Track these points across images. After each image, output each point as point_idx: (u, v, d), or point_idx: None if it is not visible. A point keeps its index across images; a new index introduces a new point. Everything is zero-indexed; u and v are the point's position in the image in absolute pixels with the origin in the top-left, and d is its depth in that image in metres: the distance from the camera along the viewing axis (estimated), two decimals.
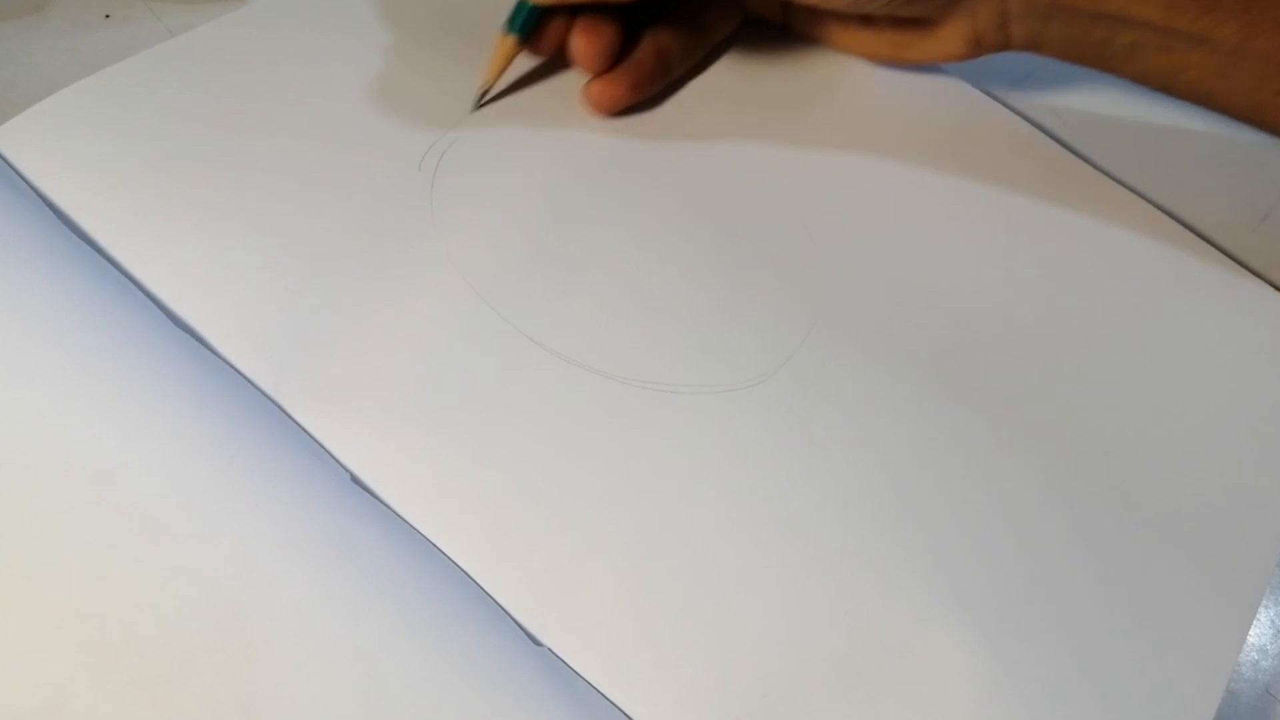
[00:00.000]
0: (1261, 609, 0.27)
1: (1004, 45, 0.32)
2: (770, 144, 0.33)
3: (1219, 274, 0.32)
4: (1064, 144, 0.35)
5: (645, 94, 0.33)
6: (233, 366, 0.26)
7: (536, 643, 0.23)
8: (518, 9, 0.31)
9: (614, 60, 0.32)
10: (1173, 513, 0.27)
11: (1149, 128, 0.36)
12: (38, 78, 0.33)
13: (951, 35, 0.32)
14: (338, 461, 0.25)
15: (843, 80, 0.35)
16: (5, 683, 0.21)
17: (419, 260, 0.29)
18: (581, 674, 0.23)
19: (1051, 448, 0.28)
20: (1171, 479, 0.28)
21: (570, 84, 0.34)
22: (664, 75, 0.34)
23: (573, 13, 0.32)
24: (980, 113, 0.35)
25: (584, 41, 0.32)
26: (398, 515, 0.25)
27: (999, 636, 0.24)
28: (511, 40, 0.31)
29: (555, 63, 0.34)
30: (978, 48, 0.32)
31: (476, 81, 0.32)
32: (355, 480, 0.25)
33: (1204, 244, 0.33)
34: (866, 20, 0.34)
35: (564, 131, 0.33)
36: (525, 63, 0.34)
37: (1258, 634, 0.27)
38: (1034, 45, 0.32)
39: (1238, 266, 0.32)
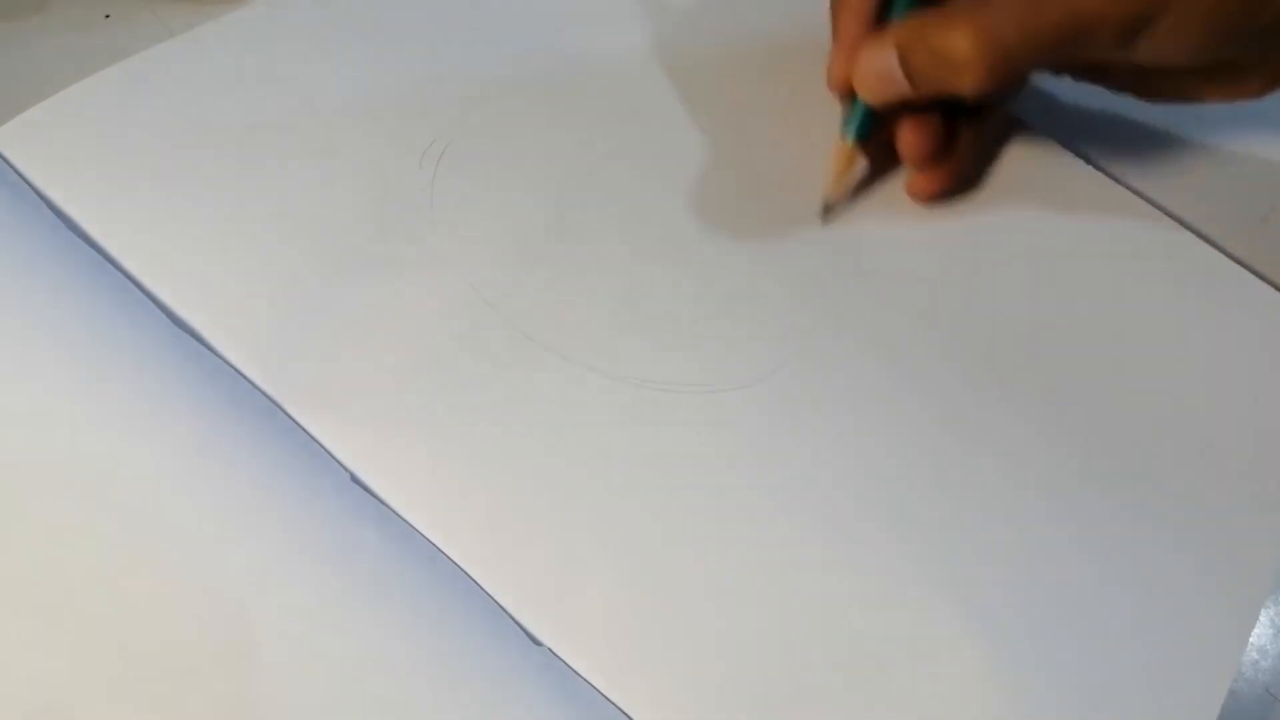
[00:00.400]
0: (1262, 609, 0.27)
1: None
2: (769, 146, 0.33)
3: (1220, 274, 0.32)
4: (1063, 143, 0.35)
5: (965, 177, 0.33)
6: (233, 366, 0.26)
7: (536, 643, 0.23)
8: (854, 113, 0.31)
9: (939, 153, 0.31)
10: (1174, 513, 0.27)
11: (1149, 128, 0.36)
12: (38, 78, 0.33)
13: (1255, 72, 0.30)
14: (338, 461, 0.25)
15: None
16: (5, 683, 0.21)
17: (419, 260, 0.29)
18: (581, 674, 0.23)
19: (1052, 448, 0.28)
20: (1173, 479, 0.28)
21: (574, 81, 0.34)
22: (978, 154, 0.33)
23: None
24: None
25: (913, 137, 0.31)
26: (397, 515, 0.25)
27: (1000, 637, 0.24)
28: (852, 147, 0.31)
29: (559, 61, 0.34)
30: (1276, 82, 0.31)
31: (820, 193, 0.31)
32: (355, 480, 0.25)
33: (1204, 244, 0.33)
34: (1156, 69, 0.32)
35: (568, 129, 0.32)
36: (524, 57, 0.34)
37: (1258, 634, 0.27)
38: None
39: (1238, 267, 0.32)
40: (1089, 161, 0.34)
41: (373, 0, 0.35)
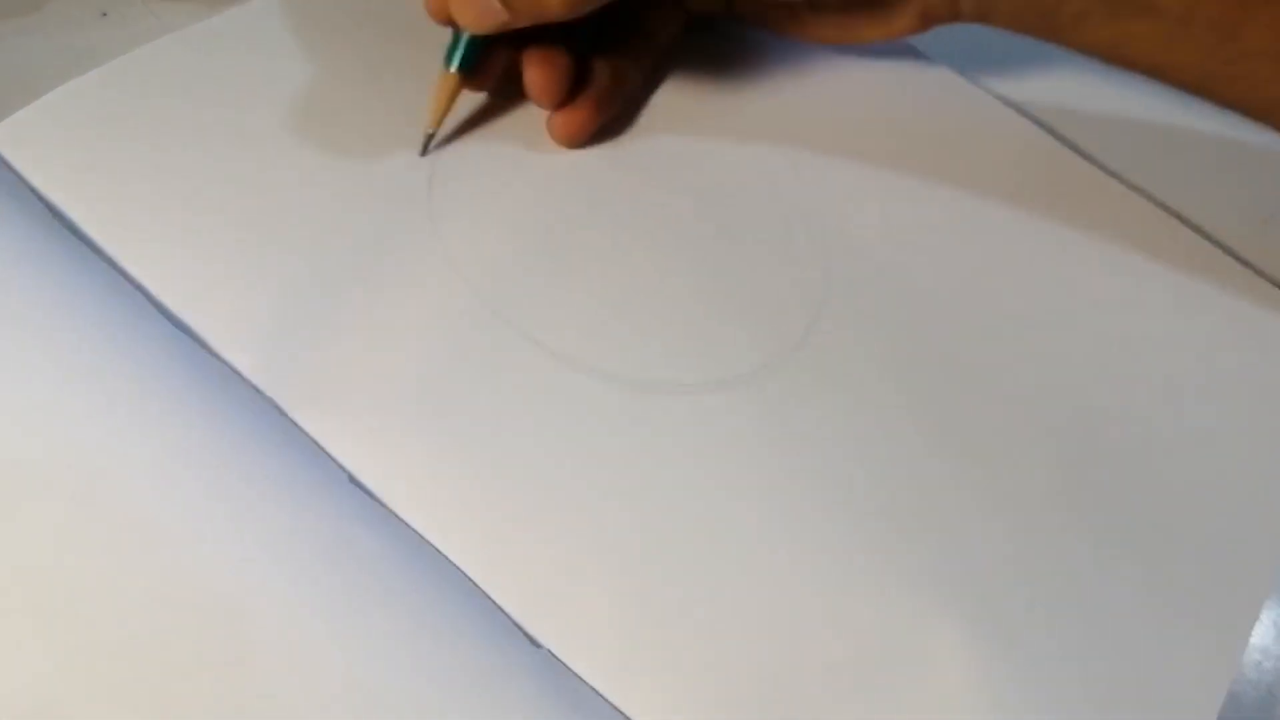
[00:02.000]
0: (1264, 610, 0.27)
1: (953, 17, 0.31)
2: (756, 142, 0.33)
3: (1222, 274, 0.32)
4: (1065, 142, 0.35)
5: (607, 115, 0.32)
6: (232, 366, 0.26)
7: (536, 644, 0.23)
8: (455, 43, 0.30)
9: (570, 89, 0.31)
10: (1175, 513, 0.27)
11: (1151, 126, 0.36)
12: (36, 77, 0.33)
13: (900, 11, 0.32)
14: (336, 462, 0.25)
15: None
16: (5, 683, 0.21)
17: (418, 259, 0.29)
18: (581, 675, 0.23)
19: (1052, 448, 0.28)
20: (1174, 479, 0.27)
21: None
22: (620, 91, 0.32)
23: (516, 44, 0.30)
24: (974, 108, 0.35)
25: (538, 74, 0.30)
26: (396, 516, 0.24)
27: (1000, 637, 0.24)
28: (453, 78, 0.30)
29: None
30: (926, 20, 0.32)
31: (421, 123, 0.30)
32: (354, 480, 0.25)
33: (1207, 244, 0.33)
34: (812, 3, 0.33)
35: None
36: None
37: (1260, 635, 0.27)
38: (982, 16, 0.31)
39: (1241, 266, 0.32)
40: (1091, 160, 0.34)
41: (372, 0, 0.35)
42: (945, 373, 0.29)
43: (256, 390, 0.26)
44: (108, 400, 0.24)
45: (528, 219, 0.30)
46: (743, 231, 0.31)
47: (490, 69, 0.31)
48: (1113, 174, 0.34)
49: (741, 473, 0.26)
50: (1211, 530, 0.27)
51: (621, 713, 0.23)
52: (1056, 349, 0.30)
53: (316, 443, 0.25)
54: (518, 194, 0.31)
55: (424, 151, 0.31)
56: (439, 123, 0.30)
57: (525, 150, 0.32)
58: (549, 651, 0.23)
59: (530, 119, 0.32)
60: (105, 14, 0.36)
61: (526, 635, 0.23)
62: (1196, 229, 0.33)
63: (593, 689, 0.23)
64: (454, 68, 0.30)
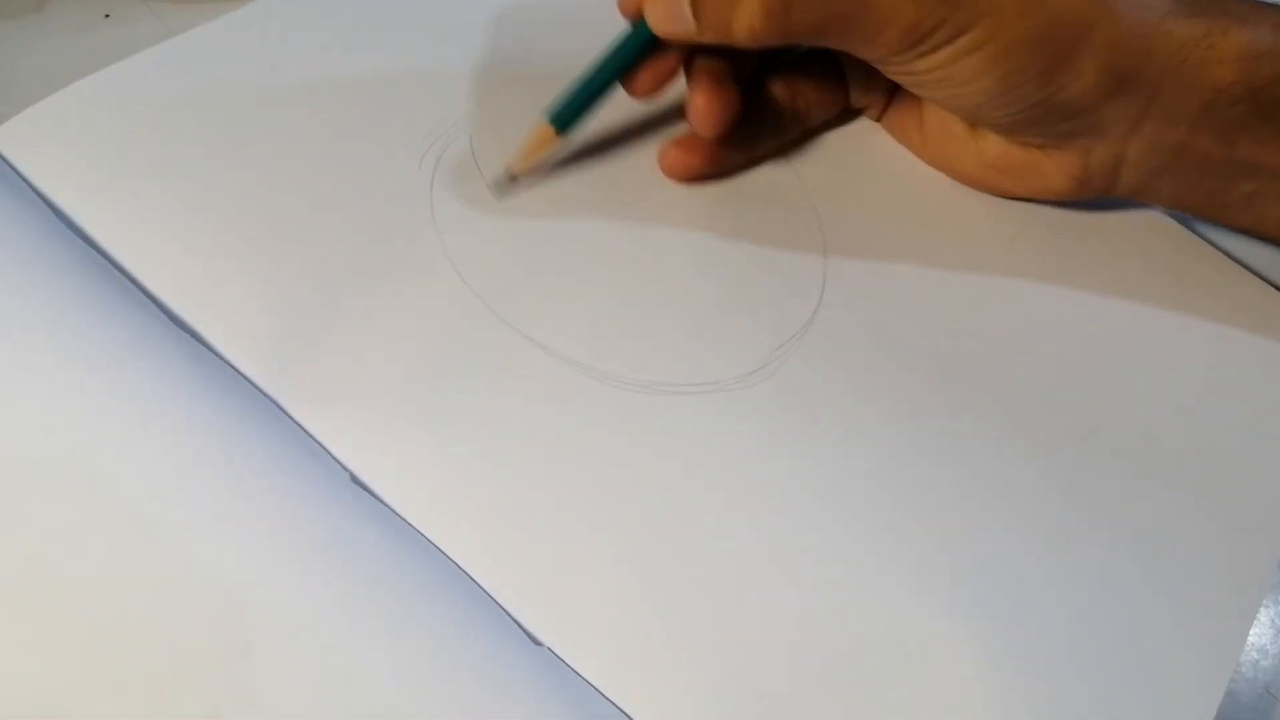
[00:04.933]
0: (1261, 609, 0.27)
1: (1108, 190, 0.30)
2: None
3: (1220, 273, 0.32)
4: None
5: (723, 170, 0.31)
6: (232, 366, 0.26)
7: (536, 643, 0.23)
8: (568, 103, 0.29)
9: (728, 126, 0.29)
10: (1173, 512, 0.27)
11: None
12: (38, 78, 0.33)
13: (1058, 171, 0.30)
14: (338, 461, 0.25)
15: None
16: (5, 683, 0.21)
17: (418, 259, 0.29)
18: (581, 674, 0.23)
19: (1052, 447, 0.28)
20: (1172, 479, 0.28)
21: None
22: (748, 154, 0.32)
23: (685, 61, 0.29)
24: None
25: (704, 101, 0.29)
26: (398, 515, 0.25)
27: (999, 636, 0.24)
28: (551, 134, 0.29)
29: (556, 63, 0.34)
30: (1082, 188, 0.31)
31: (504, 159, 0.30)
32: (355, 480, 0.25)
33: (1206, 244, 0.33)
34: (974, 136, 0.32)
35: None
36: (526, 66, 0.34)
37: (1258, 634, 0.27)
38: (1140, 193, 0.30)
39: (1239, 266, 0.32)
40: None
41: (371, 1, 0.35)
42: (944, 373, 0.29)
43: (258, 390, 0.26)
44: (110, 400, 0.24)
45: (529, 220, 0.30)
46: (742, 233, 0.31)
47: (647, 76, 0.29)
48: None
49: (741, 473, 0.26)
50: (1209, 529, 0.27)
51: (622, 711, 0.23)
52: (1055, 349, 0.30)
53: (318, 442, 0.25)
54: (519, 195, 0.31)
55: (499, 193, 0.30)
56: (525, 170, 0.30)
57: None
58: (549, 649, 0.23)
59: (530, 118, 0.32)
60: (108, 15, 0.36)
61: (527, 633, 0.23)
62: (1194, 229, 0.33)
63: (593, 687, 0.23)
64: (558, 128, 0.29)
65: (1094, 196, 0.31)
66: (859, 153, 0.34)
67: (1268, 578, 0.26)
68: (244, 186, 0.29)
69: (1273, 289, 0.32)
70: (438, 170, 0.31)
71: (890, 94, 0.33)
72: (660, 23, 0.28)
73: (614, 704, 0.23)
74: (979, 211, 0.33)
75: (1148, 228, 0.33)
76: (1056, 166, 0.30)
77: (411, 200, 0.30)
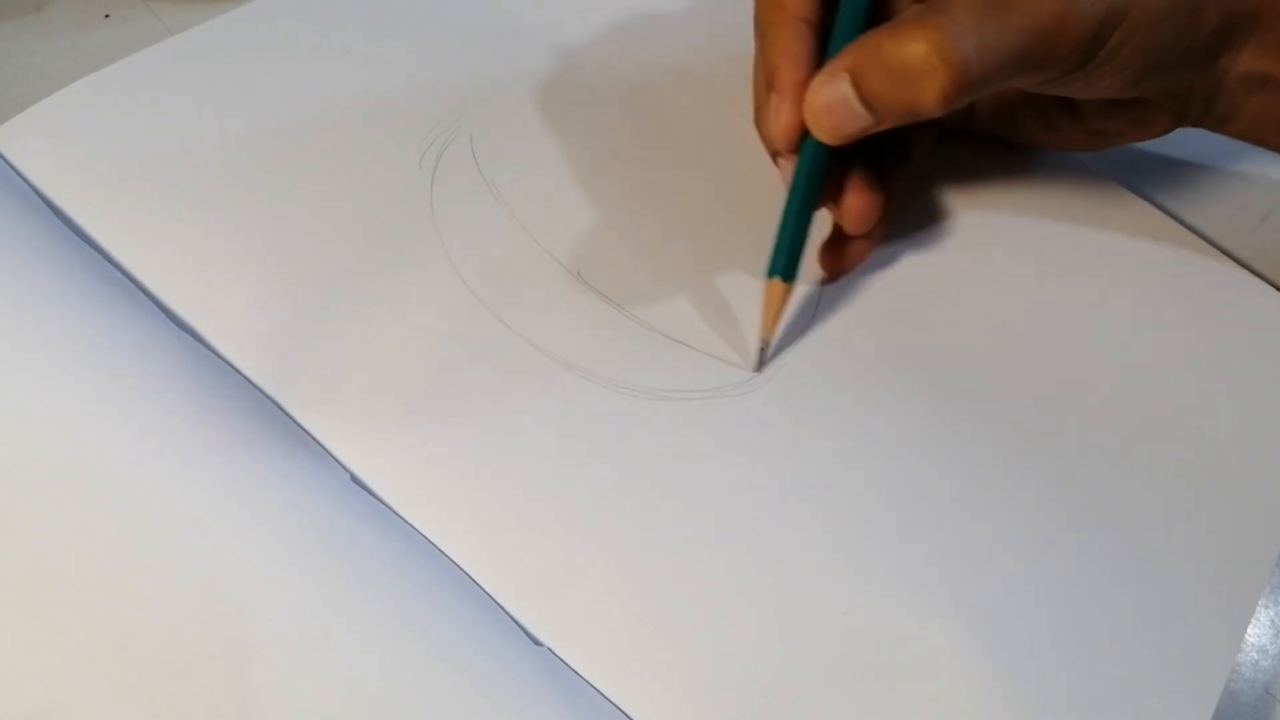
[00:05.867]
0: (1261, 608, 0.27)
1: (1199, 123, 0.30)
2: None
3: (1220, 273, 0.32)
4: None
5: (873, 250, 0.31)
6: (233, 366, 0.26)
7: (536, 643, 0.23)
8: (782, 252, 0.28)
9: (880, 216, 0.29)
10: (1171, 511, 0.27)
11: None
12: (38, 78, 0.33)
13: (1157, 116, 0.30)
14: (338, 461, 0.25)
15: None
16: (5, 683, 0.21)
17: (419, 259, 0.29)
18: (581, 674, 0.23)
19: (1050, 447, 0.28)
20: (1171, 478, 0.28)
21: (576, 82, 0.34)
22: (887, 226, 0.31)
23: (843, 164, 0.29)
24: None
25: (860, 201, 0.29)
26: (398, 515, 0.25)
27: (998, 636, 0.24)
28: (783, 288, 0.28)
29: (558, 64, 0.34)
30: (1178, 124, 0.30)
31: (756, 334, 0.28)
32: (355, 480, 0.25)
33: (1205, 244, 0.33)
34: (1071, 110, 0.31)
35: (566, 130, 0.32)
36: (527, 65, 0.34)
37: (1257, 634, 0.27)
38: (1224, 123, 0.30)
39: (1238, 266, 0.32)
40: (1086, 160, 0.34)
41: (371, 1, 0.35)
42: (943, 373, 0.29)
43: (259, 390, 0.26)
44: (110, 400, 0.24)
45: (528, 219, 0.30)
46: (740, 235, 0.31)
47: (837, 196, 0.29)
48: (1109, 174, 0.34)
49: (740, 475, 0.26)
50: (1208, 529, 0.27)
51: (621, 710, 0.23)
52: (1052, 347, 0.30)
53: (318, 442, 0.25)
54: (518, 194, 0.31)
55: (759, 367, 0.28)
56: (772, 332, 0.28)
57: (526, 150, 0.32)
58: (549, 650, 0.23)
59: (532, 117, 0.32)
60: (108, 16, 0.36)
61: (526, 633, 0.24)
62: (1193, 229, 0.33)
63: (592, 687, 0.23)
64: (784, 278, 0.28)
65: (1187, 126, 0.31)
66: None
67: (1266, 577, 0.26)
68: (244, 186, 0.29)
69: (1272, 289, 0.32)
70: (438, 170, 0.31)
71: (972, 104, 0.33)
72: (835, 129, 0.27)
73: (614, 704, 0.23)
74: (977, 214, 0.33)
75: (1149, 228, 0.33)
76: (1158, 111, 0.30)
77: (411, 200, 0.30)
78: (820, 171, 0.28)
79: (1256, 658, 0.27)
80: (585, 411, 0.27)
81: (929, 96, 0.25)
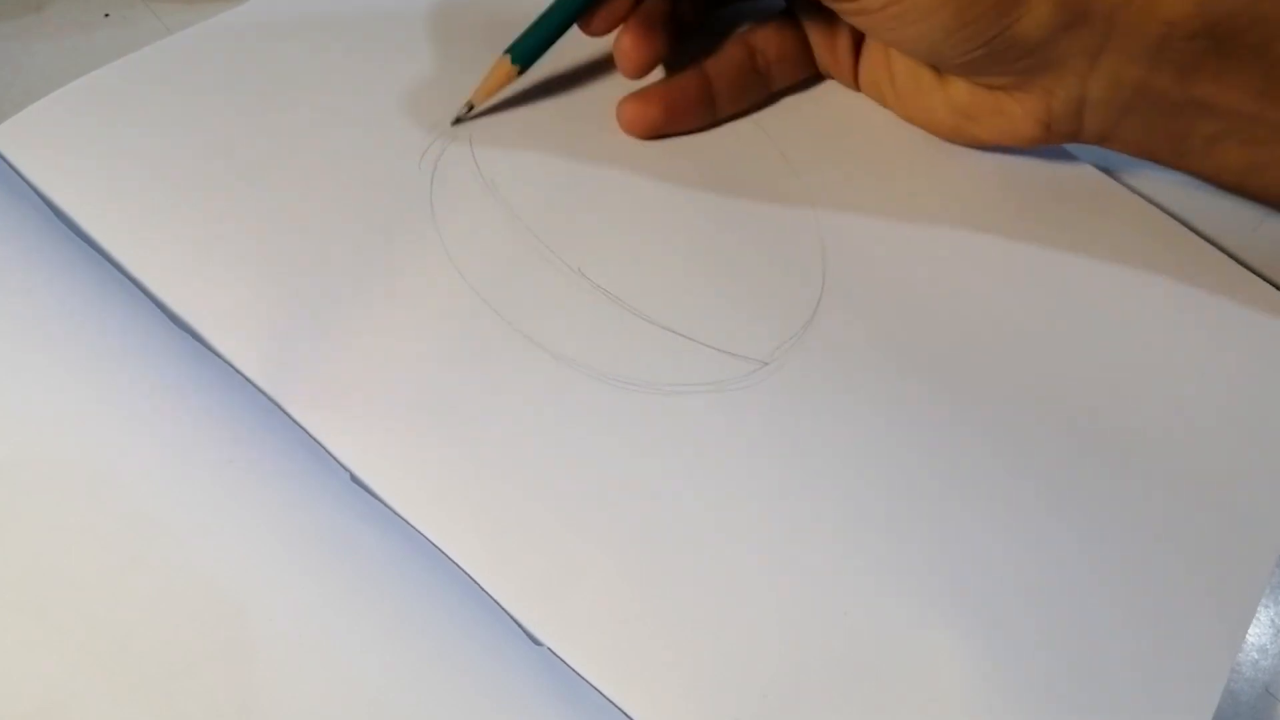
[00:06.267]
0: (1261, 608, 0.27)
1: (1074, 135, 0.31)
2: (752, 143, 0.33)
3: (1220, 273, 0.32)
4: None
5: (683, 126, 0.32)
6: (233, 366, 0.26)
7: (536, 643, 0.23)
8: (527, 38, 0.30)
9: (650, 69, 0.31)
10: (1172, 511, 0.27)
11: None
12: (38, 77, 0.33)
13: (1023, 115, 0.31)
14: (338, 461, 0.25)
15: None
16: (5, 683, 0.21)
17: (419, 259, 0.29)
18: (581, 674, 0.23)
19: (1050, 447, 0.28)
20: (1170, 478, 0.28)
21: (574, 80, 0.34)
22: (708, 111, 0.32)
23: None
24: None
25: (632, 42, 0.30)
26: (397, 515, 0.25)
27: (998, 636, 0.24)
28: (510, 69, 0.30)
29: (556, 63, 0.34)
30: (1048, 133, 0.31)
31: (463, 96, 0.31)
32: (355, 480, 0.25)
33: (1205, 243, 0.33)
34: (941, 83, 0.32)
35: (566, 129, 0.32)
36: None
37: (1257, 633, 0.27)
38: (1105, 138, 0.31)
39: (1238, 266, 0.32)
40: (1082, 160, 0.34)
41: (371, 0, 0.35)
42: (943, 373, 0.29)
43: (258, 389, 0.26)
44: (110, 400, 0.24)
45: (529, 218, 0.30)
46: (740, 233, 0.31)
47: (603, 16, 0.30)
48: (1109, 173, 0.34)
49: (741, 472, 0.26)
50: (1208, 529, 0.27)
51: (622, 711, 0.23)
52: (1053, 349, 0.30)
53: (318, 442, 0.25)
54: (519, 193, 0.31)
55: (456, 121, 0.31)
56: (484, 100, 0.31)
57: (526, 149, 0.32)
58: (549, 649, 0.23)
59: (532, 117, 0.32)
60: (107, 15, 0.36)
61: (526, 633, 0.24)
62: (1193, 229, 0.33)
63: (592, 686, 0.23)
64: (515, 61, 0.30)
65: (1062, 142, 0.31)
66: (858, 151, 0.34)
67: (1266, 577, 0.26)
68: (244, 186, 0.29)
69: (1272, 288, 0.32)
70: (437, 170, 0.31)
71: (855, 55, 0.34)
72: None
73: (614, 704, 0.23)
74: (977, 214, 0.33)
75: (1149, 228, 0.33)
76: (1023, 110, 0.31)
77: (411, 199, 0.30)
78: (540, 43, 0.30)
79: (1256, 657, 0.27)
80: (587, 408, 0.27)
81: None
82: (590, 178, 0.31)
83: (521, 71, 0.31)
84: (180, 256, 0.28)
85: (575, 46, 0.35)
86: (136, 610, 0.22)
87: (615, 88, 0.34)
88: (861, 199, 0.32)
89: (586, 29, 0.30)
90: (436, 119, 0.32)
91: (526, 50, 0.30)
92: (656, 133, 0.32)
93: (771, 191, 0.32)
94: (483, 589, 0.24)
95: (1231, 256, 0.33)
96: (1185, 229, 0.33)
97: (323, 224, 0.29)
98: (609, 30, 0.30)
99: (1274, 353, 0.30)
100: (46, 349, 0.24)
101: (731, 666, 0.24)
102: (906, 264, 0.31)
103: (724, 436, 0.27)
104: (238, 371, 0.26)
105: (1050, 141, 0.31)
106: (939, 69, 0.32)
